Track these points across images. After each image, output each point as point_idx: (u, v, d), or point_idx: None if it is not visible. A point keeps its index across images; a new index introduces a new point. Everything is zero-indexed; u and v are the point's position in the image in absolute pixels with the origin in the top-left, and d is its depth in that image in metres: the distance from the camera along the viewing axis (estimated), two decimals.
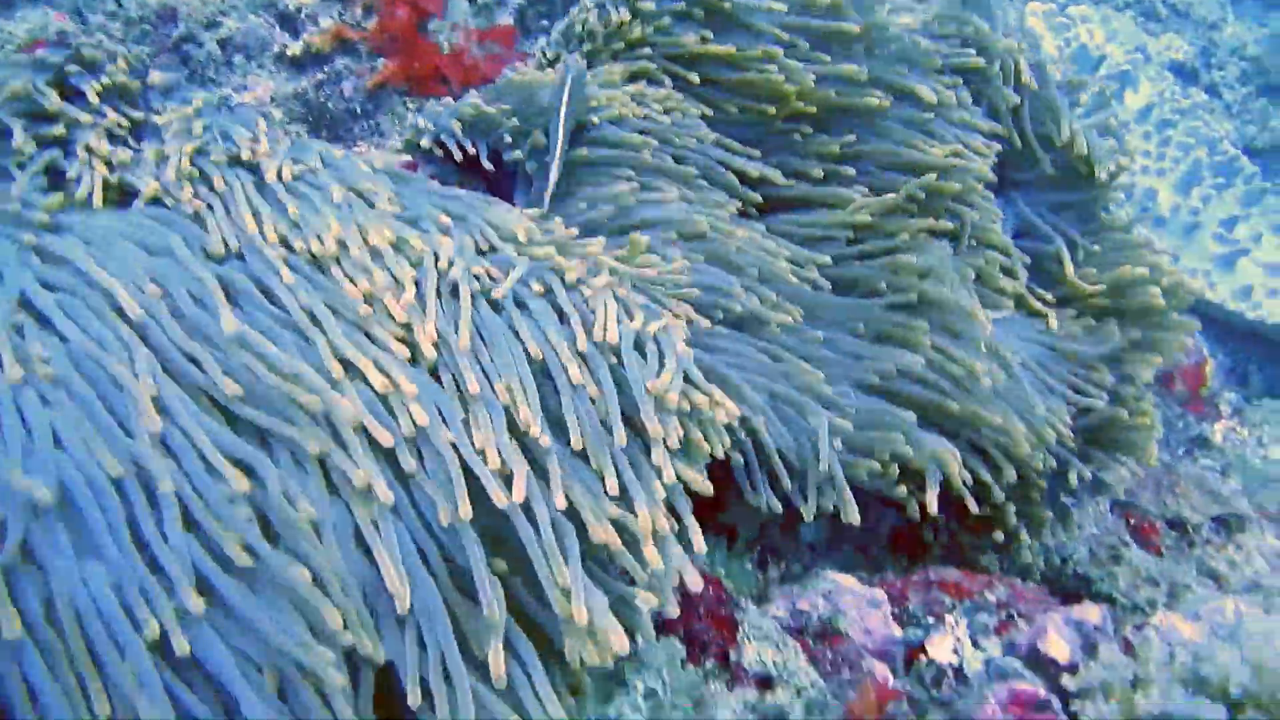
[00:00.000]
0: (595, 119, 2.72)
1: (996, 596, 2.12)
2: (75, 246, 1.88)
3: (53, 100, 2.43)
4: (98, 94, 2.58)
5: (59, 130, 2.37)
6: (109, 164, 2.23)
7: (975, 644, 2.03)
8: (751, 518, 2.39)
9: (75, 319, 1.74)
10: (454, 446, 1.69)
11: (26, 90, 2.43)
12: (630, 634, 1.71)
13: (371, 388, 1.72)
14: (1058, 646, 1.88)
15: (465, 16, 4.18)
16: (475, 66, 3.96)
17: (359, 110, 3.73)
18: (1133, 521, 2.66)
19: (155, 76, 2.90)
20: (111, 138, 2.48)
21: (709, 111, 2.78)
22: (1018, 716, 1.80)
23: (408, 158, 3.41)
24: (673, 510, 1.81)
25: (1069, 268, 2.74)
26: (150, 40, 3.55)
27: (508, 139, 2.84)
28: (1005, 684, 1.85)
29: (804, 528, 2.48)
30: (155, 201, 2.13)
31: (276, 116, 3.60)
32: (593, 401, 1.85)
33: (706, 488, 1.90)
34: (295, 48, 3.68)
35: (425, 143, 3.09)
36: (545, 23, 4.58)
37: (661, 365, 1.94)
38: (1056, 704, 1.82)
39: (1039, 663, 1.89)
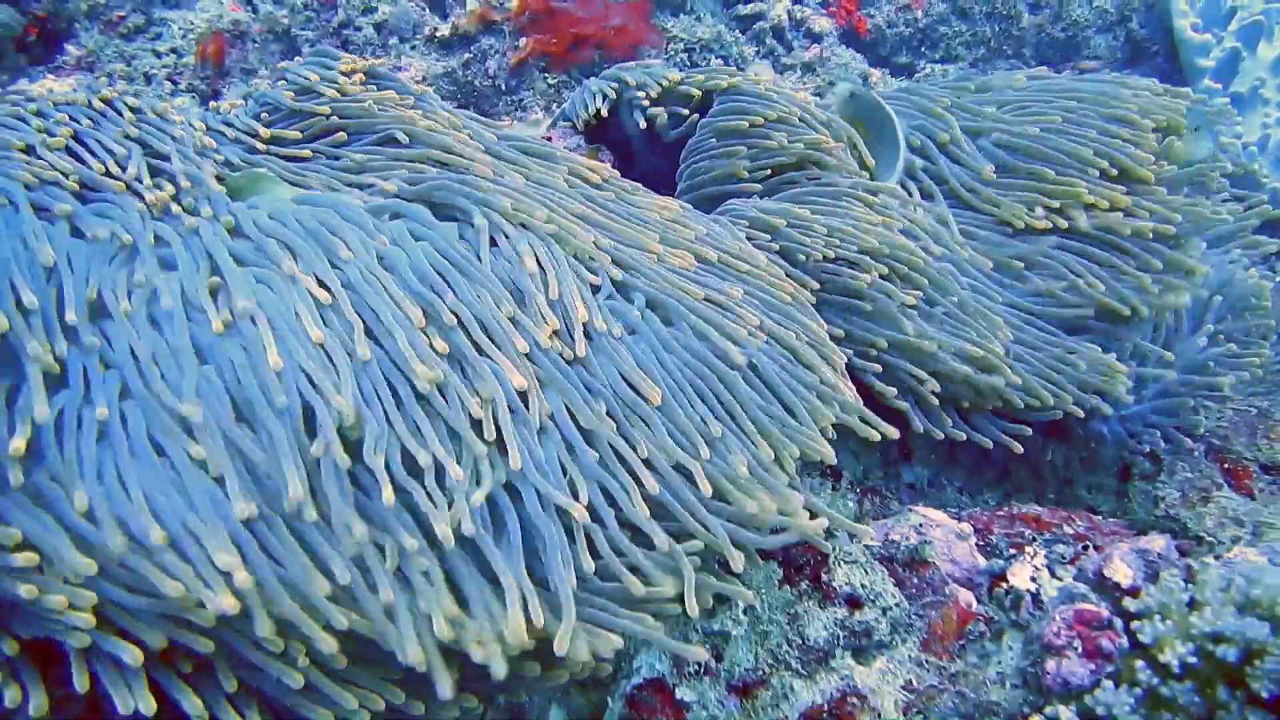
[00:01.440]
0: None
1: (1075, 529, 2.30)
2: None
3: None
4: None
5: None
6: None
7: (1052, 573, 2.22)
8: (855, 462, 2.61)
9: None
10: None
11: None
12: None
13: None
14: (1121, 571, 2.06)
15: None
16: (608, 39, 4.20)
17: (503, 86, 4.00)
18: (1226, 465, 2.78)
19: None
20: None
21: None
22: (1080, 633, 1.99)
23: (546, 130, 3.65)
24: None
25: None
26: (313, 26, 3.88)
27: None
28: (1071, 605, 2.04)
29: (905, 469, 2.69)
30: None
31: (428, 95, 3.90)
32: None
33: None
34: (444, 29, 3.98)
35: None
36: None
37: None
38: (1119, 624, 2.00)
39: (1104, 587, 2.07)
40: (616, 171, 2.58)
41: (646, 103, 3.03)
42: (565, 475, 1.85)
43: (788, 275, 2.44)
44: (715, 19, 4.89)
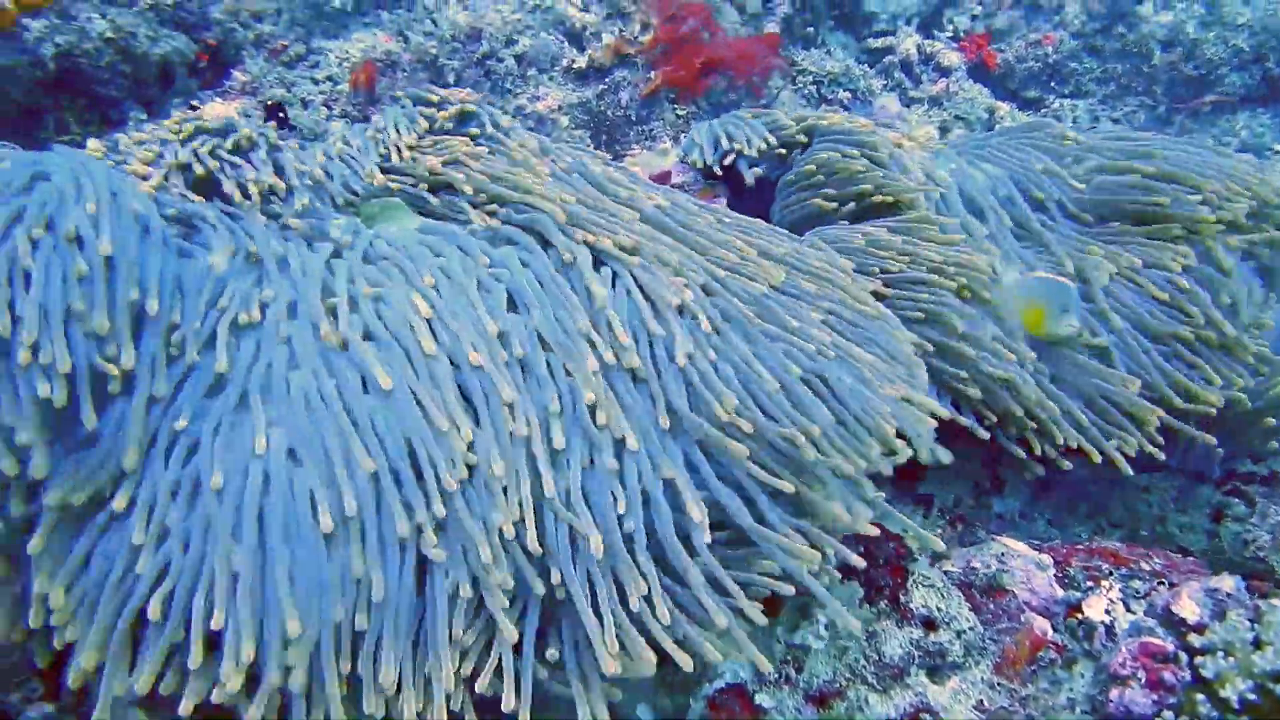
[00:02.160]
0: None
1: (1152, 566, 2.40)
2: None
3: None
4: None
5: None
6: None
7: (1127, 606, 2.32)
8: (947, 491, 2.73)
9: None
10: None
11: None
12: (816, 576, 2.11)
13: None
14: (1189, 608, 2.16)
15: (735, 25, 4.61)
16: (737, 68, 4.37)
17: (634, 117, 4.19)
18: None
19: None
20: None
21: None
22: (1145, 664, 2.09)
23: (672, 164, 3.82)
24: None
25: None
26: (459, 56, 4.12)
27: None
28: (1137, 638, 2.15)
29: (996, 500, 2.80)
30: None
31: (563, 123, 4.12)
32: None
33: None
34: (581, 61, 4.19)
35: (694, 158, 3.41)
36: (810, 30, 4.95)
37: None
38: (1184, 658, 2.10)
39: (1171, 622, 2.17)
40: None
41: (754, 153, 3.18)
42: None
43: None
44: (846, 52, 5.02)
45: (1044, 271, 2.76)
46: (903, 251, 2.68)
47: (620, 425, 2.06)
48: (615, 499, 2.00)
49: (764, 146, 3.15)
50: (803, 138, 3.15)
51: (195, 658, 1.70)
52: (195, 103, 3.93)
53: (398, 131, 2.81)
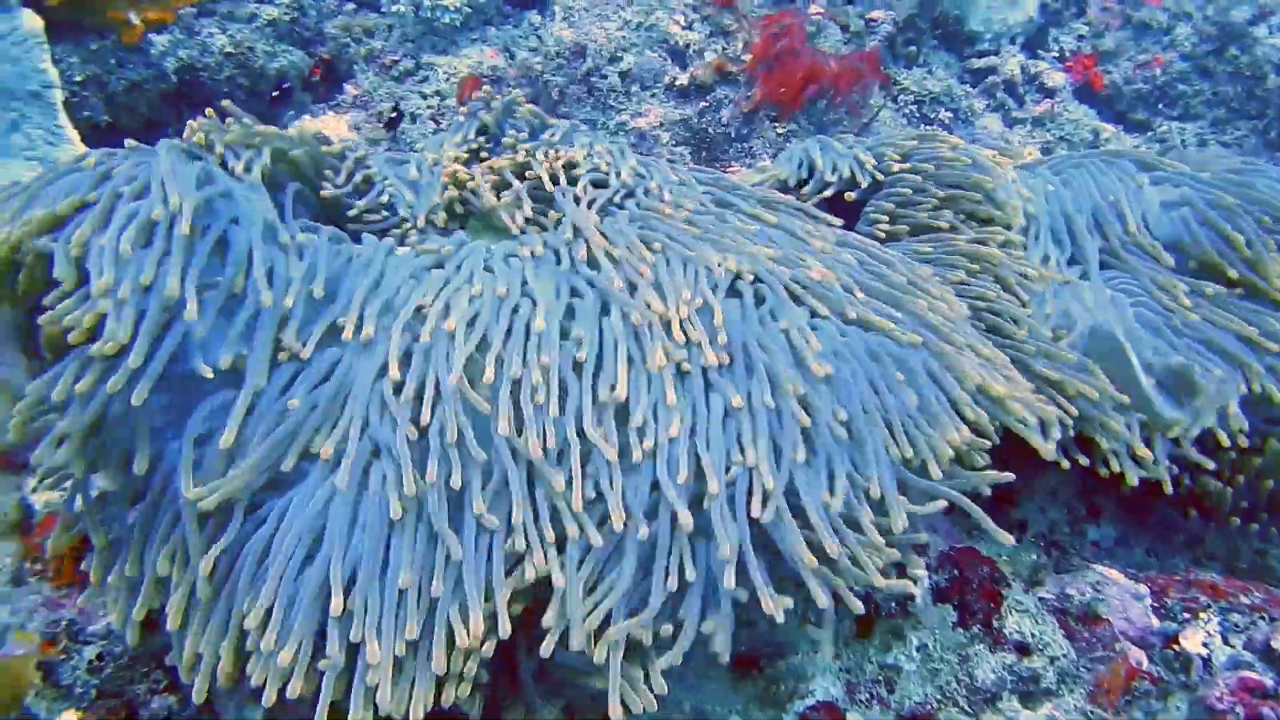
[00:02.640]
0: None
1: (1251, 600, 2.37)
2: None
3: None
4: None
5: None
6: None
7: (1225, 640, 2.30)
8: (1041, 517, 2.72)
9: None
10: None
11: None
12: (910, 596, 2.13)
13: None
14: None
15: (837, 43, 4.63)
16: (837, 83, 4.39)
17: (734, 134, 4.24)
18: None
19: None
20: None
21: None
22: (1243, 700, 2.08)
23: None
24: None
25: None
26: (563, 73, 4.19)
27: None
28: (1236, 673, 2.13)
29: (1092, 527, 2.78)
30: None
31: (664, 139, 4.17)
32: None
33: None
34: (683, 78, 4.24)
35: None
36: (913, 49, 4.96)
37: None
38: None
39: (1271, 658, 2.15)
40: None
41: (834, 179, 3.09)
42: None
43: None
44: (948, 71, 5.02)
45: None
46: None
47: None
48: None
49: (847, 173, 3.06)
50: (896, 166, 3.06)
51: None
52: (308, 116, 4.05)
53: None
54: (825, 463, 2.04)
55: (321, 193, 2.61)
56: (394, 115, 3.91)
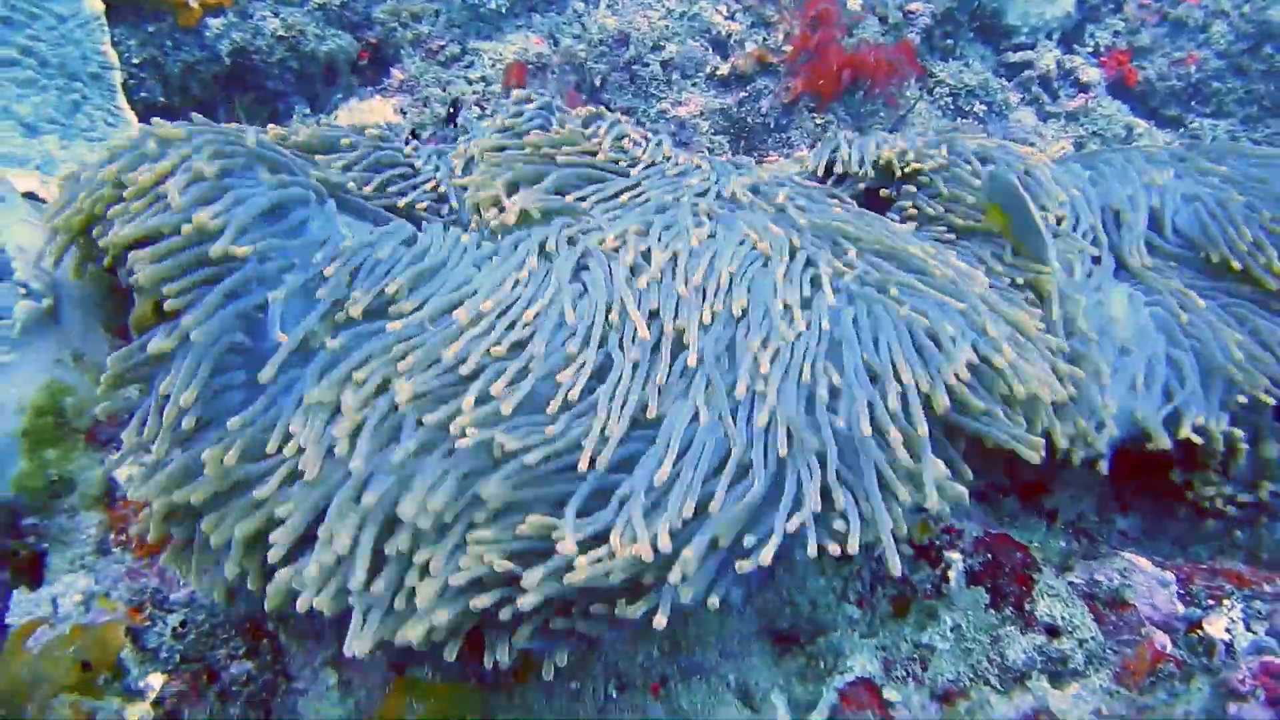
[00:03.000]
0: None
1: (1275, 589, 2.45)
2: None
3: None
4: None
5: None
6: None
7: (1247, 626, 2.38)
8: (1072, 505, 2.80)
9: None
10: None
11: None
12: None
13: None
14: None
15: (875, 35, 4.70)
16: (874, 75, 4.46)
17: (773, 124, 4.31)
18: None
19: None
20: None
21: None
22: (1264, 683, 2.16)
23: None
24: None
25: None
26: (606, 60, 4.27)
27: None
28: (1258, 657, 2.21)
29: (1120, 518, 2.86)
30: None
31: (703, 128, 4.25)
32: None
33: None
34: (724, 68, 4.31)
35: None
36: (950, 42, 5.02)
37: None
38: None
39: None
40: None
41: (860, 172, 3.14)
42: None
43: None
44: (984, 64, 5.07)
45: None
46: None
47: None
48: None
49: (871, 171, 3.11)
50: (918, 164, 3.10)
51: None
52: (355, 99, 4.14)
53: None
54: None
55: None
56: (452, 110, 3.99)
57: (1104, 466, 2.52)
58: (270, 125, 2.64)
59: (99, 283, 2.22)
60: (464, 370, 1.96)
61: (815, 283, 2.38)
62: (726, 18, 4.36)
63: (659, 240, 2.43)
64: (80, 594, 2.04)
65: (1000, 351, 2.28)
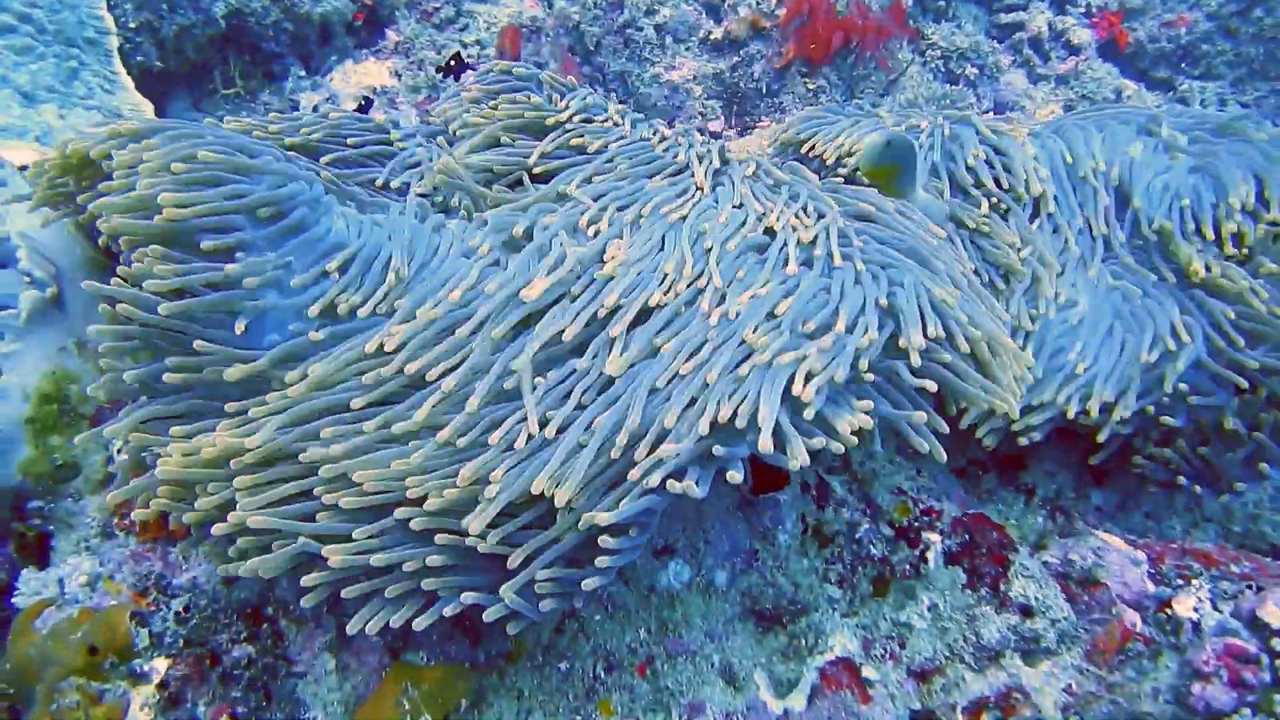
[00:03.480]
0: None
1: (1241, 569, 2.53)
2: None
3: None
4: None
5: None
6: None
7: (1214, 606, 2.46)
8: (1049, 482, 2.87)
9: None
10: None
11: None
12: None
13: None
14: (1273, 614, 2.30)
15: None
16: (864, 38, 4.48)
17: (764, 89, 4.34)
18: None
19: None
20: None
21: None
22: (1227, 665, 2.25)
23: None
24: None
25: None
26: (600, 23, 4.28)
27: None
28: (1222, 638, 2.30)
29: (1095, 492, 2.94)
30: None
31: (696, 92, 4.28)
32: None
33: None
34: (717, 33, 4.33)
35: None
36: (942, 3, 5.03)
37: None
38: (1265, 660, 2.24)
39: (1256, 625, 2.32)
40: None
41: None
42: None
43: None
44: (976, 25, 5.09)
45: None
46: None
47: None
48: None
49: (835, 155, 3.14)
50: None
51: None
52: (350, 61, 4.16)
53: None
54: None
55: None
56: (452, 62, 4.01)
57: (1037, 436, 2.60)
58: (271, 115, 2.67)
59: (99, 268, 2.27)
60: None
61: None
62: None
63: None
64: (86, 575, 2.10)
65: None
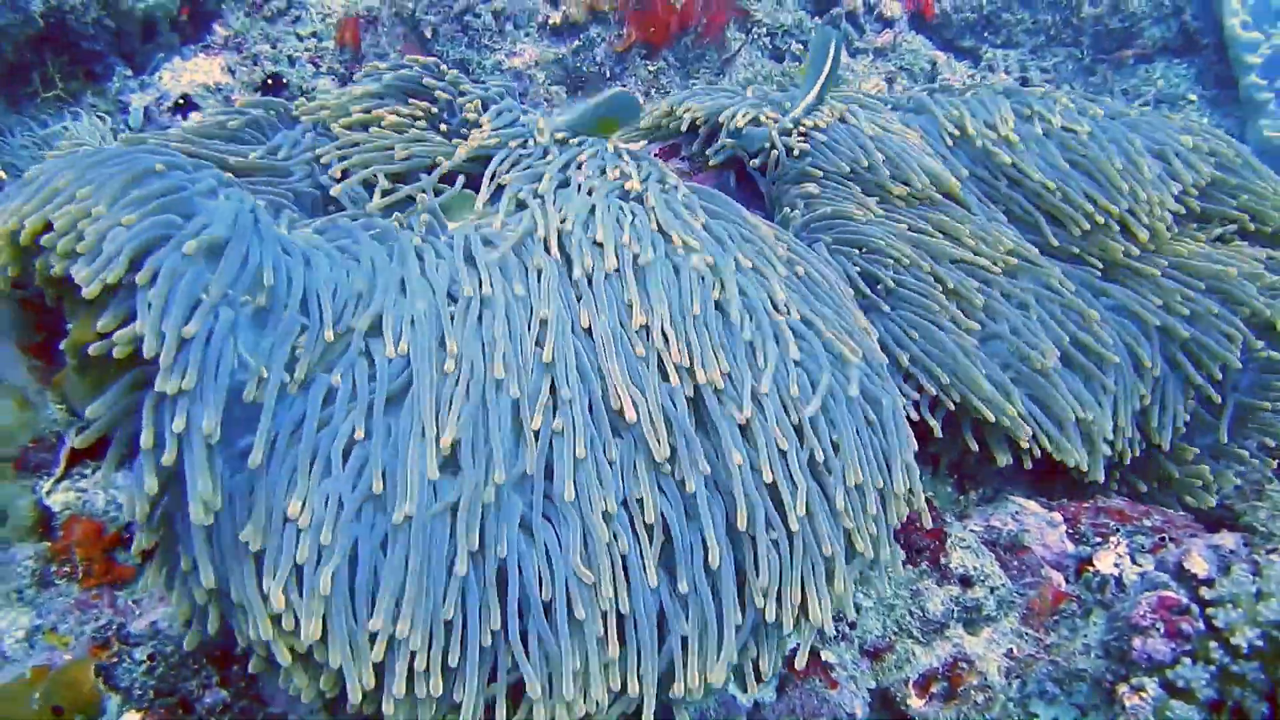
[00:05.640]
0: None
1: (1152, 523, 2.66)
2: None
3: None
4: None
5: None
6: None
7: (1133, 560, 2.58)
8: (951, 448, 2.94)
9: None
10: None
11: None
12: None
13: None
14: (1199, 564, 2.43)
15: None
16: (701, 26, 4.51)
17: (608, 73, 4.31)
18: (1278, 462, 3.12)
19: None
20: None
21: None
22: (1163, 616, 2.36)
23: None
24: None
25: None
26: (435, 11, 4.17)
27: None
28: (1155, 592, 2.41)
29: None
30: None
31: (539, 79, 4.22)
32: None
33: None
34: (556, 17, 4.28)
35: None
36: None
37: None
38: (1196, 610, 2.37)
39: (1183, 577, 2.44)
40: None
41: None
42: None
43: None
44: (796, 3, 5.16)
45: None
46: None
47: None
48: None
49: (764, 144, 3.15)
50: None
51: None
52: (178, 58, 3.94)
53: None
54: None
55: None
56: (269, 81, 3.85)
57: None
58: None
59: (9, 302, 2.09)
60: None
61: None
62: None
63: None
64: (23, 630, 1.94)
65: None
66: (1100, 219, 2.94)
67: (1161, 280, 2.94)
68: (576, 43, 4.28)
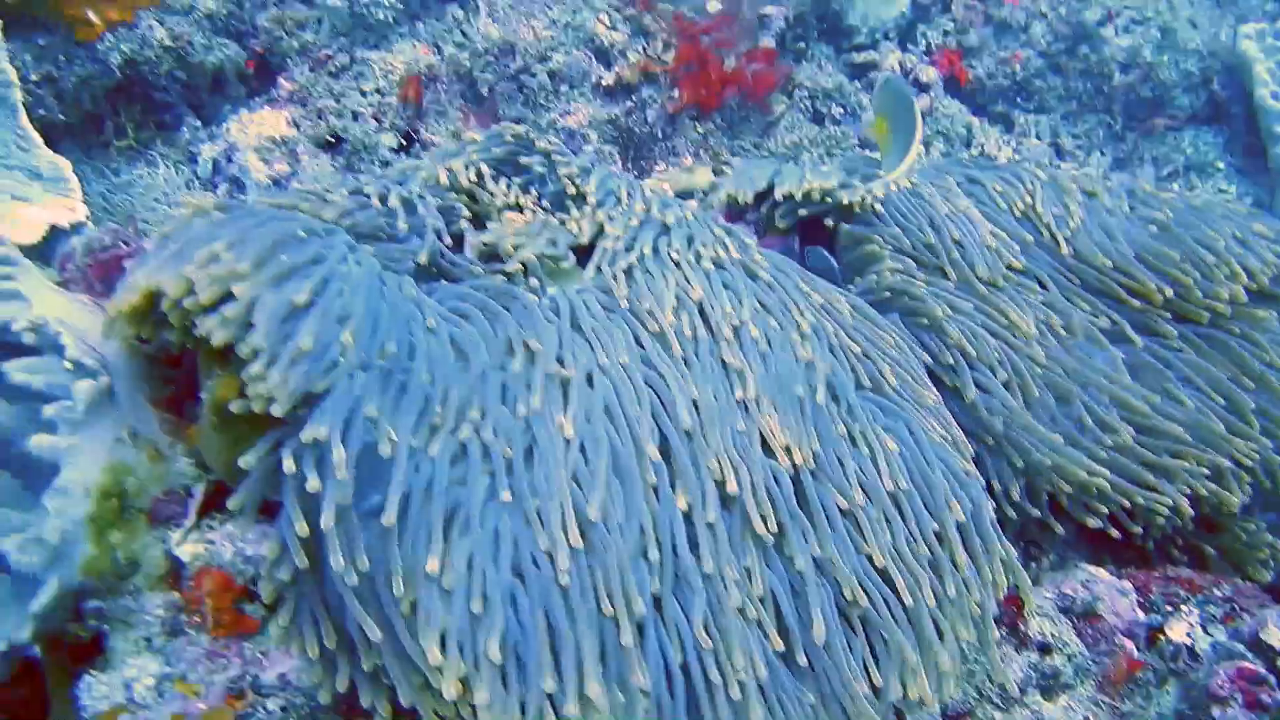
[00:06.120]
0: None
1: (1223, 593, 2.71)
2: None
3: None
4: None
5: None
6: None
7: (1205, 629, 2.63)
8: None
9: None
10: None
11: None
12: None
13: None
14: (1276, 636, 2.48)
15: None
16: (749, 87, 4.59)
17: (659, 134, 4.39)
18: None
19: None
20: None
21: None
22: (1242, 687, 2.40)
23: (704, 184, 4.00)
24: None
25: None
26: (492, 70, 4.25)
27: None
28: (1233, 662, 2.46)
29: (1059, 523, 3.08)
30: None
31: (593, 138, 4.29)
32: None
33: None
34: (609, 78, 4.35)
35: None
36: (801, 45, 5.17)
37: None
38: (1273, 681, 2.41)
39: (1259, 647, 2.49)
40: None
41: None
42: None
43: None
44: (834, 66, 5.25)
45: None
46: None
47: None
48: None
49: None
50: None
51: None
52: (245, 110, 4.00)
53: None
54: None
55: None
56: (331, 140, 3.93)
57: None
58: None
59: (139, 355, 2.14)
60: None
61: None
62: (609, 28, 4.39)
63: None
64: (152, 678, 1.97)
65: None
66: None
67: (1233, 344, 3.00)
68: (629, 103, 4.35)
